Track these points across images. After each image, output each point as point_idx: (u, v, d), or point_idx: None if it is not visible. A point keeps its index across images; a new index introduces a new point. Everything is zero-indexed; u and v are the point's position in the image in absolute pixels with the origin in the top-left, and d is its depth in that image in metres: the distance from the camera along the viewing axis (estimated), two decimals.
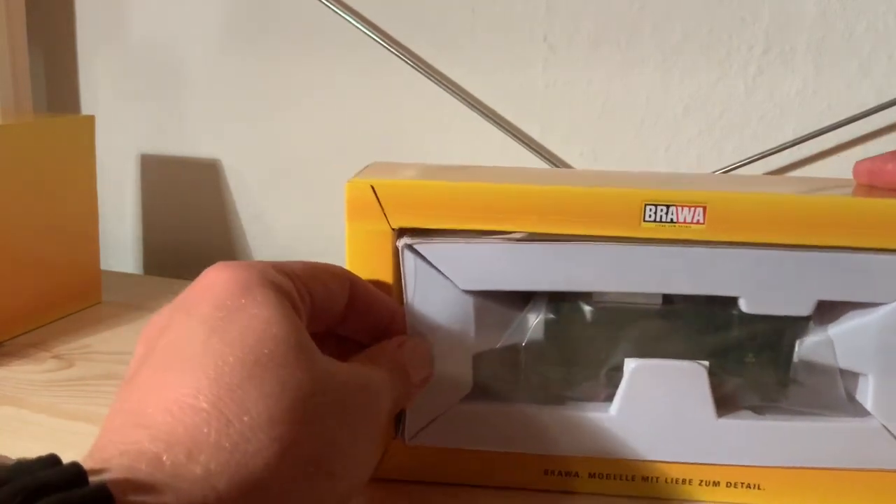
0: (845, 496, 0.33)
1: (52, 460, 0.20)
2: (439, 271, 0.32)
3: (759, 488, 0.33)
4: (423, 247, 0.31)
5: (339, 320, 0.30)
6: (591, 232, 0.31)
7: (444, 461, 0.34)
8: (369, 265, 0.32)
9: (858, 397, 0.33)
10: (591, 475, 0.34)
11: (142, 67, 0.67)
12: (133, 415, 0.23)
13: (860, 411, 0.32)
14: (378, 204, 0.32)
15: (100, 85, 0.69)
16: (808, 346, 0.32)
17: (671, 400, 0.32)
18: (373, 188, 0.31)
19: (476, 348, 0.33)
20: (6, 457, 0.26)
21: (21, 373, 0.45)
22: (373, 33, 0.58)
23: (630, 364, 0.32)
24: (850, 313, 0.32)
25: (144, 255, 0.71)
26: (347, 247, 0.32)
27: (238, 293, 0.25)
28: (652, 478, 0.33)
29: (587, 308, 0.33)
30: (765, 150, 0.52)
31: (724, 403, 0.33)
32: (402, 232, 0.32)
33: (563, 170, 0.38)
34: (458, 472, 0.34)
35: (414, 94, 0.59)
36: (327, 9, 0.58)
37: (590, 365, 0.33)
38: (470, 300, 0.32)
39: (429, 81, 0.57)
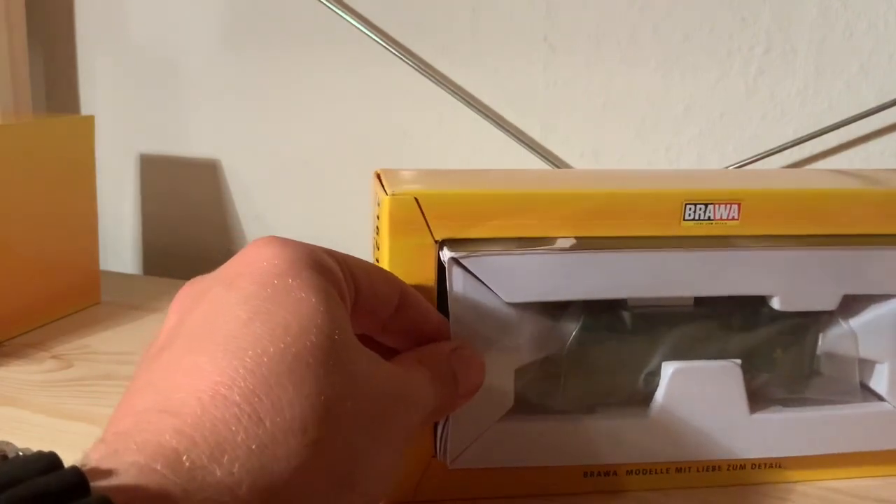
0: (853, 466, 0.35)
1: (51, 462, 0.18)
2: (484, 284, 0.31)
3: (779, 467, 0.35)
4: (469, 260, 0.31)
5: (382, 326, 0.29)
6: (634, 233, 0.32)
7: (484, 478, 0.33)
8: (411, 279, 0.31)
9: (871, 384, 0.34)
10: (629, 472, 0.34)
11: (142, 67, 0.67)
12: (160, 396, 0.21)
13: (870, 397, 0.34)
14: (422, 216, 0.31)
15: (100, 85, 0.68)
16: (831, 339, 0.34)
17: (708, 399, 0.33)
18: (416, 200, 0.30)
19: (518, 362, 0.32)
20: (7, 443, 0.25)
21: (20, 373, 0.45)
22: (373, 33, 0.58)
23: (668, 367, 0.33)
24: (872, 306, 0.33)
25: (144, 255, 0.71)
26: (388, 262, 0.31)
27: (286, 272, 0.23)
28: (685, 468, 0.34)
29: (625, 314, 0.33)
30: (765, 150, 0.52)
31: (755, 398, 0.33)
32: (443, 244, 0.31)
33: (594, 170, 0.38)
34: (498, 486, 0.34)
35: (414, 94, 0.59)
36: (327, 9, 0.58)
37: (628, 371, 0.33)
38: (513, 313, 0.32)
39: (429, 81, 0.57)
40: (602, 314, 0.33)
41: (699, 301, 0.33)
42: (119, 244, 0.71)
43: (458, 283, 0.31)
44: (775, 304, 0.32)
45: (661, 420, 0.33)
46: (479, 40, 0.57)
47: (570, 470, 0.34)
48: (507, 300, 0.31)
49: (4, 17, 0.61)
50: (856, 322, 0.34)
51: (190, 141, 0.67)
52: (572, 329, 0.33)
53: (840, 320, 0.34)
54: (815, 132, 0.51)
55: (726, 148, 0.54)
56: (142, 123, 0.68)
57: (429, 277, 0.31)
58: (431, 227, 0.31)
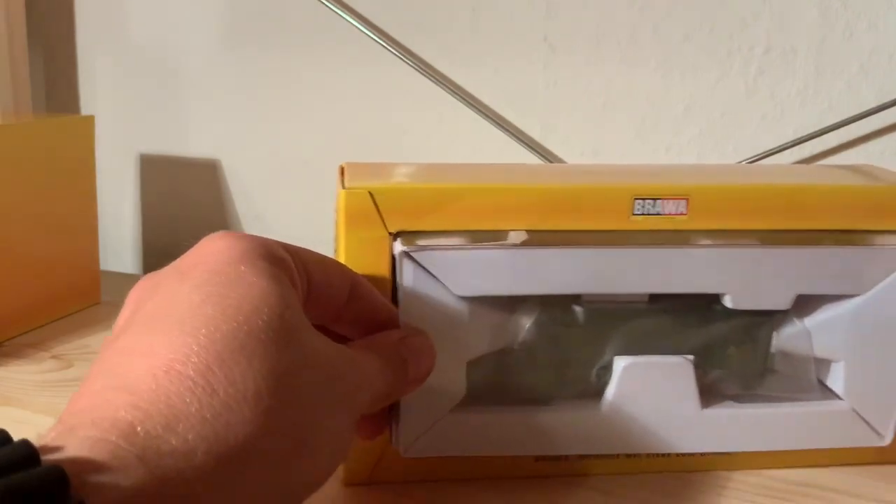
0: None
1: (1, 438, 0.19)
2: (435, 278, 0.32)
3: (729, 455, 0.36)
4: (420, 254, 0.31)
5: (335, 316, 0.30)
6: (585, 227, 0.32)
7: (439, 462, 0.34)
8: (366, 271, 0.32)
9: (828, 382, 0.35)
10: (581, 457, 0.35)
11: (141, 67, 0.67)
12: (116, 377, 0.22)
13: (828, 395, 0.34)
14: (376, 210, 0.31)
15: (100, 85, 0.68)
16: (785, 337, 0.34)
17: (658, 394, 0.33)
18: (371, 194, 0.31)
19: (470, 354, 0.33)
20: None
21: (20, 373, 0.45)
22: (373, 33, 0.58)
23: (620, 362, 0.33)
24: (826, 305, 0.34)
25: (144, 256, 0.71)
26: (344, 254, 0.32)
27: (238, 261, 0.25)
28: (635, 454, 0.35)
29: (578, 309, 0.34)
30: (765, 150, 0.52)
31: (707, 394, 0.34)
32: (397, 236, 0.32)
33: (550, 165, 0.38)
34: (452, 470, 0.35)
35: (414, 94, 0.59)
36: (327, 9, 0.58)
37: (580, 364, 0.34)
38: (464, 306, 0.32)
39: (429, 81, 0.57)
40: (556, 308, 0.34)
41: (654, 297, 0.34)
42: (119, 244, 0.71)
43: (408, 276, 0.31)
44: (727, 302, 0.33)
45: (613, 413, 0.33)
46: (479, 40, 0.57)
47: (523, 456, 0.35)
48: (457, 294, 0.32)
49: (4, 17, 0.61)
50: (810, 321, 0.34)
51: (190, 141, 0.67)
52: (526, 322, 0.34)
53: (794, 319, 0.34)
54: (815, 132, 0.51)
55: (726, 148, 0.54)
56: (142, 123, 0.68)
57: (383, 269, 0.32)
58: (385, 221, 0.32)
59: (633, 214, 0.32)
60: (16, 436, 0.19)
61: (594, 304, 0.34)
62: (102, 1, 0.66)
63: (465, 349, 0.33)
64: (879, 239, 0.33)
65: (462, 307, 0.32)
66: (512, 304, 0.33)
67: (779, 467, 0.36)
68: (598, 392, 0.34)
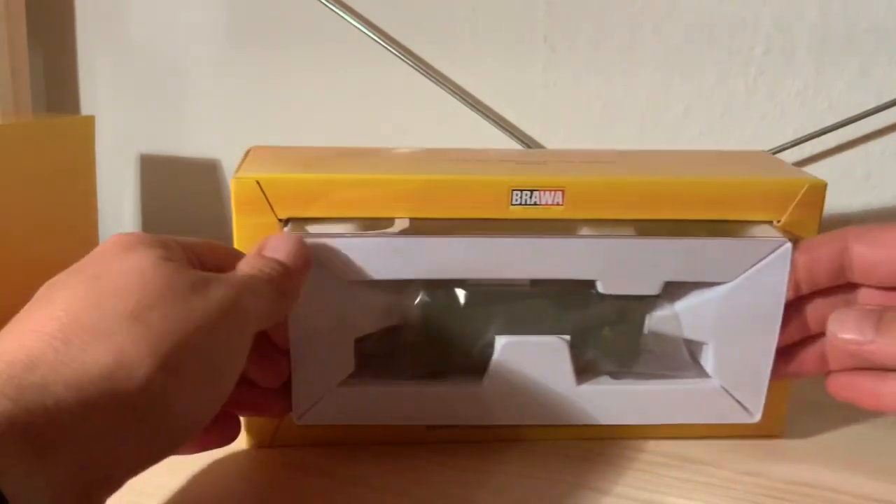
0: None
1: None
2: (321, 263, 0.33)
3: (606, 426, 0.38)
4: (305, 241, 0.33)
5: None
6: (465, 215, 0.35)
7: (334, 428, 0.37)
8: None
9: (701, 362, 0.37)
10: (470, 427, 0.38)
11: (142, 67, 0.67)
12: None
13: (703, 373, 0.37)
14: (265, 198, 0.34)
15: (100, 85, 0.68)
16: (656, 320, 0.37)
17: (536, 371, 0.36)
18: (258, 183, 0.34)
19: (358, 332, 0.35)
20: None
21: None
22: (373, 33, 0.58)
23: (500, 341, 0.36)
24: (694, 291, 0.36)
25: None
26: (236, 239, 0.34)
27: (121, 251, 0.28)
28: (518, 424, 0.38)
29: (461, 291, 0.36)
30: (765, 150, 0.52)
31: (585, 371, 0.37)
32: (287, 222, 0.34)
33: (441, 150, 0.40)
34: (348, 436, 0.37)
35: (414, 94, 0.59)
36: (327, 9, 0.58)
37: (464, 343, 0.36)
38: (350, 289, 0.34)
39: (429, 81, 0.57)
40: (439, 290, 0.36)
41: (535, 281, 0.36)
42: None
43: None
44: (599, 287, 0.35)
45: (494, 388, 0.36)
46: (479, 40, 0.57)
47: (414, 426, 0.37)
48: (342, 278, 0.34)
49: (4, 16, 0.61)
50: (680, 305, 0.36)
51: (190, 141, 0.67)
52: (412, 303, 0.36)
53: (665, 303, 0.36)
54: (815, 132, 0.51)
55: (726, 148, 0.54)
56: (142, 123, 0.68)
57: None
58: (274, 208, 0.34)
59: (512, 205, 0.34)
60: None
61: (476, 287, 0.36)
62: (102, 1, 0.66)
63: (352, 328, 0.35)
64: (747, 229, 0.35)
65: (348, 290, 0.34)
66: (399, 285, 0.35)
67: (654, 437, 0.39)
68: (482, 368, 0.36)
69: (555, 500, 0.34)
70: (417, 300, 0.36)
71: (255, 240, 0.33)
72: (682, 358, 0.37)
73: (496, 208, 0.34)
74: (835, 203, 0.53)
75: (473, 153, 0.40)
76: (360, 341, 0.35)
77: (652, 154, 0.42)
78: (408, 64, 0.57)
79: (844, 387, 0.35)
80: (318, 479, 0.36)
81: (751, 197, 0.35)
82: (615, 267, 0.34)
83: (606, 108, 0.56)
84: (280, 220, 0.34)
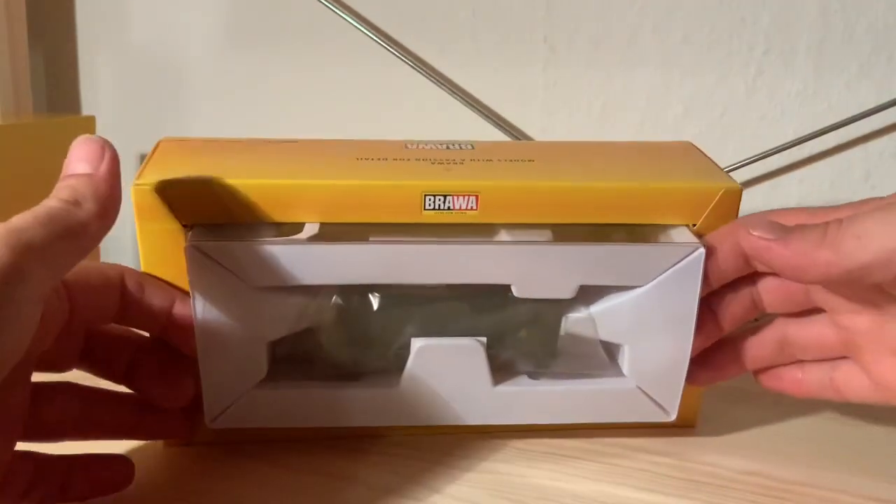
0: None
1: None
2: (227, 269, 0.32)
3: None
4: (209, 246, 0.32)
5: (117, 314, 0.31)
6: (377, 220, 0.34)
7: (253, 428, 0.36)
8: (163, 262, 0.33)
9: (619, 362, 0.37)
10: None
11: (142, 67, 0.67)
12: None
13: (620, 373, 0.37)
14: (165, 206, 0.32)
15: (100, 85, 0.69)
16: (572, 322, 0.37)
17: (452, 373, 0.36)
18: (157, 191, 0.32)
19: (270, 336, 0.34)
20: None
21: None
22: (373, 33, 0.58)
23: (415, 343, 0.35)
24: (609, 295, 0.36)
25: None
26: (140, 246, 0.33)
27: None
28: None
29: (375, 295, 0.35)
30: (765, 150, 0.52)
31: (503, 372, 0.37)
32: (191, 228, 0.33)
33: (360, 143, 0.39)
34: (264, 433, 0.37)
35: (414, 94, 0.59)
36: (327, 9, 0.58)
37: (380, 345, 0.36)
38: (260, 294, 0.33)
39: (429, 81, 0.57)
40: (354, 293, 0.35)
41: (450, 284, 0.35)
42: (119, 244, 0.71)
43: (198, 269, 0.32)
44: (514, 291, 0.35)
45: (410, 390, 0.36)
46: (479, 40, 0.57)
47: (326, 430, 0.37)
48: (251, 285, 0.33)
49: (5, 16, 0.62)
50: (595, 308, 0.36)
51: None
52: (326, 305, 0.35)
53: (581, 306, 0.36)
54: (815, 132, 0.51)
55: (726, 148, 0.54)
56: (142, 123, 0.68)
57: (181, 261, 0.32)
58: (176, 215, 0.33)
59: (425, 210, 0.34)
60: None
61: (391, 290, 0.35)
62: (103, 1, 0.66)
63: (262, 332, 0.34)
64: (664, 232, 0.36)
65: (257, 295, 0.33)
66: (312, 288, 0.34)
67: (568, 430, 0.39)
68: (399, 370, 0.35)
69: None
70: (331, 302, 0.35)
71: (160, 247, 0.33)
72: (599, 358, 0.37)
73: (409, 213, 0.34)
74: (835, 203, 0.53)
75: (391, 148, 0.38)
76: (273, 344, 0.35)
77: (576, 147, 0.41)
78: (408, 64, 0.57)
79: (770, 377, 0.37)
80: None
81: (666, 203, 0.35)
82: (530, 272, 0.34)
83: (606, 108, 0.56)
84: (184, 226, 0.33)
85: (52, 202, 0.27)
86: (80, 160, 0.30)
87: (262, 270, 0.32)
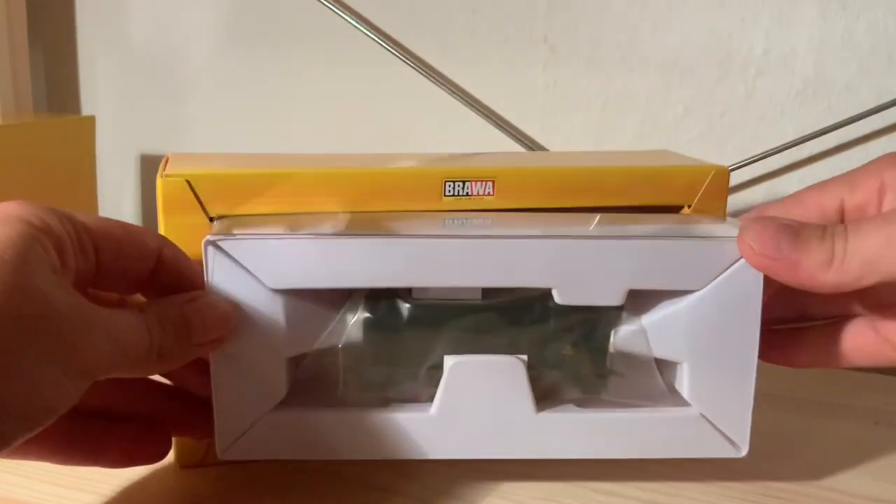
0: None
1: None
2: (245, 269, 0.30)
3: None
4: (228, 243, 0.30)
5: (138, 285, 0.30)
6: (398, 208, 0.34)
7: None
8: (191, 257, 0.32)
9: (677, 386, 0.33)
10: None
11: (142, 67, 0.67)
12: None
13: (680, 401, 0.33)
14: (195, 197, 0.32)
15: (100, 85, 0.69)
16: (622, 337, 0.33)
17: (490, 395, 0.32)
18: (189, 182, 0.32)
19: (289, 352, 0.32)
20: None
21: None
22: (373, 34, 0.58)
23: (449, 361, 0.32)
24: (662, 302, 0.32)
25: None
26: None
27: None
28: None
29: (405, 305, 0.32)
30: (765, 150, 0.52)
31: (546, 397, 0.33)
32: (213, 221, 0.33)
33: (371, 155, 0.40)
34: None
35: (414, 94, 0.59)
36: (328, 9, 0.58)
37: (410, 364, 0.33)
38: (280, 300, 0.31)
39: (429, 82, 0.58)
40: (382, 305, 0.32)
41: (486, 293, 0.33)
42: None
43: (216, 267, 0.30)
44: (555, 296, 0.31)
45: (443, 416, 0.32)
46: (479, 40, 0.57)
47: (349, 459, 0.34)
48: (270, 287, 0.30)
49: (5, 16, 0.62)
50: (646, 320, 0.32)
51: (190, 141, 0.67)
52: (351, 320, 0.32)
53: (631, 317, 0.33)
54: (815, 132, 0.51)
55: (726, 148, 0.54)
56: (142, 123, 0.68)
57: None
58: (205, 206, 0.32)
59: (445, 196, 0.34)
60: None
61: (422, 300, 0.32)
62: (103, 1, 0.66)
63: (283, 346, 0.31)
64: (706, 228, 0.33)
65: (277, 301, 0.31)
66: (335, 300, 0.32)
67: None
68: (431, 394, 0.32)
69: None
70: (357, 317, 0.32)
71: (185, 241, 0.31)
72: (654, 382, 0.33)
73: (429, 200, 0.34)
74: None
75: (407, 154, 0.39)
76: (292, 363, 0.32)
77: (573, 153, 0.42)
78: (408, 64, 0.58)
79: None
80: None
81: (665, 184, 0.36)
82: (571, 273, 0.31)
83: (606, 108, 0.56)
84: (211, 220, 0.33)
85: (142, 334, 0.27)
86: (212, 326, 0.30)
87: (284, 269, 0.30)
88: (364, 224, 0.32)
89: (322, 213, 0.33)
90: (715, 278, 0.31)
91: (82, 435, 0.31)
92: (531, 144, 0.57)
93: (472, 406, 0.32)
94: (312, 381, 0.33)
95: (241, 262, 0.30)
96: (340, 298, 0.32)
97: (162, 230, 0.32)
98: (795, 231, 0.30)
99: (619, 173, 0.36)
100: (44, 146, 0.51)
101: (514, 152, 0.42)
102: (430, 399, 0.32)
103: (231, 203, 0.33)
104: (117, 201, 0.70)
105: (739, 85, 0.53)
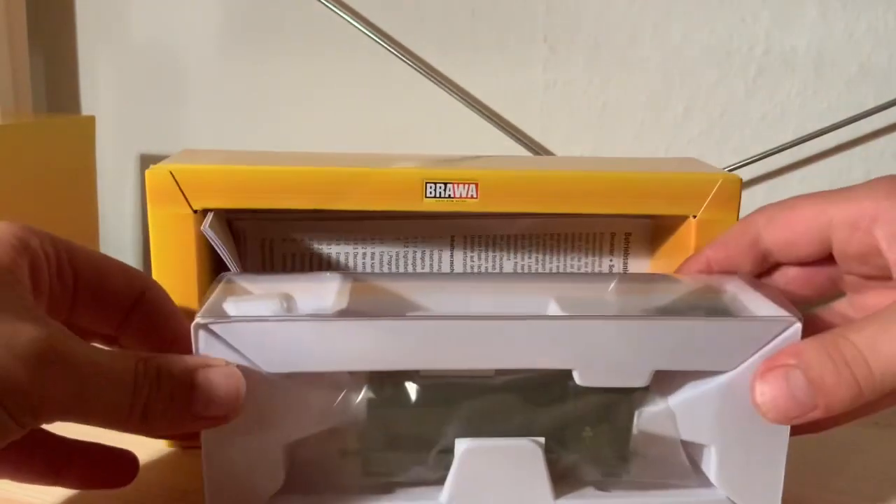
0: None
1: None
2: (239, 353, 0.28)
3: None
4: (220, 327, 0.27)
5: (118, 323, 0.30)
6: (379, 207, 0.34)
7: None
8: (172, 248, 0.34)
9: (703, 467, 0.31)
10: None
11: (142, 67, 0.67)
12: None
13: (705, 481, 0.31)
14: (178, 189, 0.34)
15: (100, 85, 0.69)
16: (647, 417, 0.31)
17: (505, 481, 0.30)
18: (172, 174, 0.34)
19: (288, 437, 0.29)
20: None
21: None
22: (373, 34, 0.58)
23: (461, 445, 0.30)
24: (690, 383, 0.31)
25: (144, 256, 0.71)
26: (151, 231, 0.34)
27: None
28: None
29: (412, 385, 0.30)
30: (765, 150, 0.52)
31: (564, 480, 0.31)
32: (205, 213, 0.34)
33: (357, 154, 0.40)
34: None
35: (414, 94, 0.59)
36: (327, 9, 0.58)
37: (418, 447, 0.30)
38: (278, 384, 0.28)
39: (429, 81, 0.57)
40: (387, 384, 0.30)
41: (500, 371, 0.30)
42: (119, 244, 0.71)
43: (208, 351, 0.28)
44: (576, 378, 0.29)
45: (455, 503, 0.30)
46: (479, 40, 0.57)
47: None
48: (267, 371, 0.28)
49: (5, 16, 0.62)
50: (674, 400, 0.31)
51: (190, 141, 0.67)
52: (354, 400, 0.30)
53: (656, 397, 0.31)
54: (815, 132, 0.51)
55: (726, 148, 0.54)
56: (142, 123, 0.68)
57: (189, 245, 0.34)
58: (188, 199, 0.34)
59: (426, 197, 0.34)
60: None
61: (432, 379, 0.30)
62: (103, 1, 0.66)
63: (280, 432, 0.29)
64: (743, 308, 0.31)
65: (275, 384, 0.28)
66: (337, 379, 0.30)
67: None
68: (440, 478, 0.30)
69: None
70: (360, 397, 0.30)
71: (170, 231, 0.34)
72: (679, 463, 0.31)
73: (410, 201, 0.34)
74: None
75: (398, 155, 0.39)
76: (291, 447, 0.30)
77: (572, 158, 0.42)
78: (407, 64, 0.57)
79: None
80: None
81: (666, 191, 0.35)
82: (595, 354, 0.29)
83: (606, 108, 0.56)
84: (195, 212, 0.34)
85: (124, 384, 0.25)
86: (221, 401, 0.27)
87: (281, 353, 0.28)
88: (369, 296, 0.31)
89: (323, 276, 0.32)
90: (747, 359, 0.29)
91: (42, 456, 0.30)
92: (531, 144, 0.57)
93: (486, 493, 0.30)
94: (311, 465, 0.31)
95: (235, 346, 0.28)
96: (343, 377, 0.30)
97: (149, 221, 0.34)
98: (804, 376, 0.28)
99: (609, 179, 0.35)
100: (44, 146, 0.51)
101: (507, 156, 0.42)
102: (438, 482, 0.30)
103: (212, 196, 0.34)
104: (117, 201, 0.70)
105: (739, 85, 0.53)
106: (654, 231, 0.40)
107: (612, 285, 0.33)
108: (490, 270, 0.40)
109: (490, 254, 0.40)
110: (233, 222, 0.38)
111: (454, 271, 0.39)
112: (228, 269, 0.35)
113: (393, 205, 0.34)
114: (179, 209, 0.34)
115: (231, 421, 0.27)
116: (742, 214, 0.36)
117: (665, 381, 0.31)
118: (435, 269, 0.39)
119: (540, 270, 0.40)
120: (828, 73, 0.51)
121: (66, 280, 0.28)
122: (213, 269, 0.37)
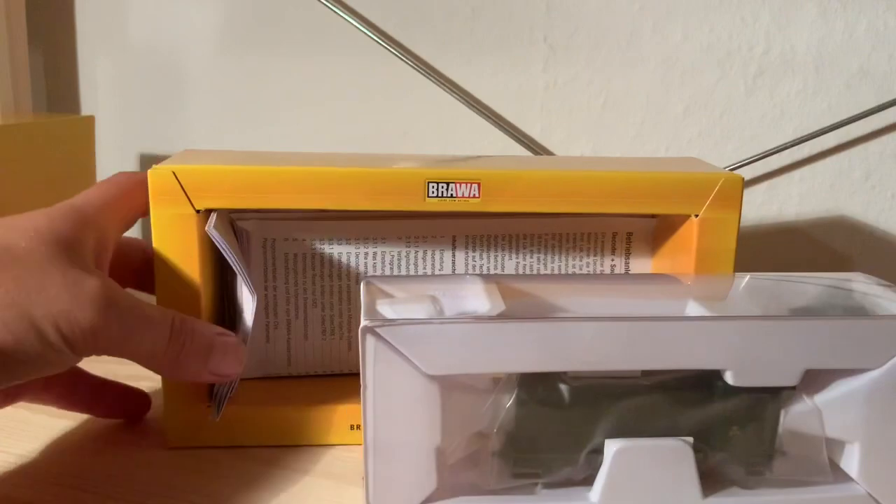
0: None
1: None
2: (402, 355, 0.29)
3: None
4: (386, 329, 0.28)
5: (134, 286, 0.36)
6: (381, 207, 0.34)
7: (251, 428, 0.36)
8: (174, 248, 0.34)
9: (842, 464, 0.32)
10: None
11: (142, 67, 0.67)
12: None
13: (842, 477, 0.32)
14: (181, 189, 0.34)
15: (100, 85, 0.68)
16: (794, 416, 0.32)
17: (655, 481, 0.31)
18: (174, 174, 0.34)
19: (444, 438, 0.30)
20: None
21: None
22: (373, 33, 0.58)
23: (611, 446, 0.30)
24: (837, 381, 0.31)
25: None
26: (153, 231, 0.34)
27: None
28: None
29: (564, 387, 0.31)
30: (765, 150, 0.53)
31: (709, 479, 0.31)
32: (208, 213, 0.34)
33: (360, 155, 0.40)
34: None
35: (414, 94, 0.59)
36: (327, 9, 0.58)
37: (568, 448, 0.31)
38: (436, 386, 0.29)
39: (428, 81, 0.58)
40: (538, 386, 0.31)
41: (648, 372, 0.31)
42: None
43: (373, 354, 0.29)
44: (729, 378, 0.30)
45: (605, 502, 0.30)
46: (479, 40, 0.57)
47: None
48: (427, 372, 0.29)
49: (5, 16, 0.61)
50: (821, 398, 0.31)
51: (190, 141, 0.67)
52: (505, 402, 0.31)
53: (804, 396, 0.32)
54: (815, 132, 0.52)
55: (726, 148, 0.54)
56: (142, 123, 0.68)
57: (192, 246, 0.34)
58: (191, 199, 0.34)
59: (428, 197, 0.34)
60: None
61: (581, 381, 0.31)
62: (103, 1, 0.66)
63: (436, 434, 0.30)
64: (877, 305, 0.32)
65: (434, 387, 0.29)
66: (488, 381, 0.31)
67: None
68: (589, 478, 0.31)
69: None
70: (511, 399, 0.30)
71: (173, 231, 0.34)
72: (821, 461, 0.32)
73: (412, 200, 0.34)
74: (835, 203, 0.53)
75: (400, 155, 0.39)
76: (442, 450, 0.30)
77: (574, 158, 0.41)
78: (407, 64, 0.58)
79: None
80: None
81: (668, 191, 0.35)
82: (747, 354, 0.30)
83: (606, 108, 0.56)
84: (198, 212, 0.34)
85: (163, 328, 0.31)
86: (230, 363, 0.34)
87: (442, 355, 0.29)
88: (520, 298, 0.32)
89: (463, 278, 0.34)
90: (893, 357, 0.30)
91: (82, 387, 0.37)
92: (531, 144, 0.57)
93: (636, 492, 0.31)
94: (464, 468, 0.31)
95: (399, 348, 0.29)
96: (493, 379, 0.31)
97: (152, 221, 0.34)
98: None
99: (611, 179, 0.35)
100: (44, 146, 0.51)
101: (508, 156, 0.42)
102: (584, 482, 0.31)
103: (215, 196, 0.34)
104: None
105: (739, 85, 0.53)
106: (655, 230, 0.41)
107: (743, 283, 0.34)
108: (492, 271, 0.40)
109: (492, 253, 0.40)
110: (235, 222, 0.38)
111: (456, 272, 0.40)
112: (232, 270, 0.35)
113: (395, 204, 0.34)
114: (182, 209, 0.34)
115: (232, 381, 0.35)
116: (742, 214, 0.36)
117: (811, 380, 0.31)
118: (437, 270, 0.39)
119: (542, 270, 0.40)
120: (828, 73, 0.51)
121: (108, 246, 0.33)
122: (216, 269, 0.38)
